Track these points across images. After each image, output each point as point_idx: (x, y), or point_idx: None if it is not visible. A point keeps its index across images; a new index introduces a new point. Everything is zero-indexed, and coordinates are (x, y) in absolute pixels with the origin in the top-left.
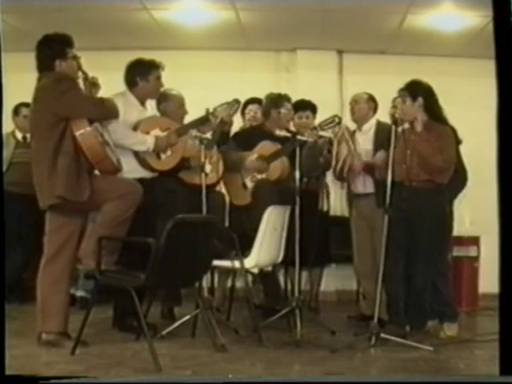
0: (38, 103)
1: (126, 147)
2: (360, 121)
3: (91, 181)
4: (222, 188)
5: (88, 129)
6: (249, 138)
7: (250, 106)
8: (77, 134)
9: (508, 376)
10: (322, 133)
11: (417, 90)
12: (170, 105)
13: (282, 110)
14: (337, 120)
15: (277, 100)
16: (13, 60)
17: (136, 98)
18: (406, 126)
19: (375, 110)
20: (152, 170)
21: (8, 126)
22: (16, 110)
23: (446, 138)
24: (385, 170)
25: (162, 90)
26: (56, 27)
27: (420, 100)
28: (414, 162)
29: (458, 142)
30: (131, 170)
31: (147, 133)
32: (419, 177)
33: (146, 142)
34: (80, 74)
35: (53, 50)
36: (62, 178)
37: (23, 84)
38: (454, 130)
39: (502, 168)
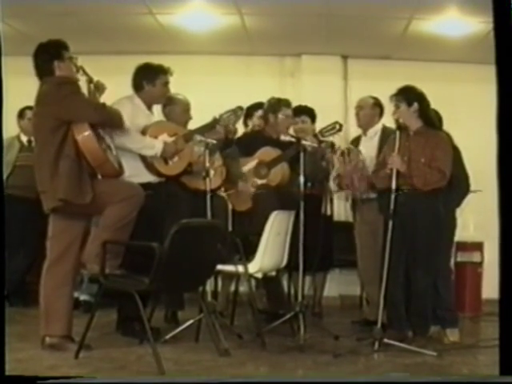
0: (40, 107)
1: (134, 151)
2: (365, 126)
3: (93, 184)
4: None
5: (89, 133)
6: (250, 143)
7: (255, 113)
8: (78, 137)
9: (508, 376)
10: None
11: (412, 96)
12: (175, 109)
13: (280, 116)
14: (337, 127)
15: (274, 105)
16: (18, 64)
17: (143, 102)
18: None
19: (381, 114)
20: (159, 174)
21: (13, 129)
22: (21, 113)
23: (443, 144)
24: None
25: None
26: (61, 31)
27: (415, 105)
28: (410, 167)
29: (454, 147)
30: (138, 174)
31: (155, 137)
32: (415, 182)
33: (154, 146)
34: (80, 76)
35: (49, 53)
36: (64, 181)
37: (27, 87)
38: (448, 136)
39: (503, 173)
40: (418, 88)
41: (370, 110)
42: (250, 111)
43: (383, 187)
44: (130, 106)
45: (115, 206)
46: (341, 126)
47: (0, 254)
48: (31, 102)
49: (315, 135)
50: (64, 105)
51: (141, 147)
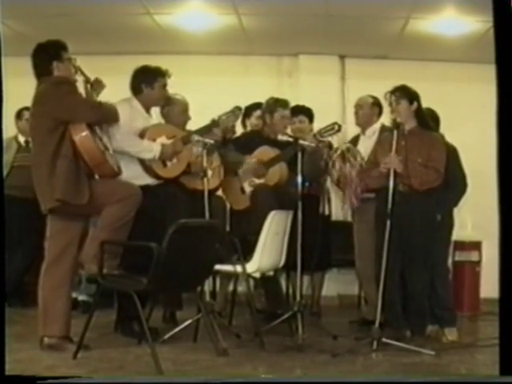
0: (37, 107)
1: (133, 155)
2: (364, 125)
3: (91, 184)
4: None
5: (86, 132)
6: (248, 142)
7: (254, 112)
8: (75, 137)
9: (508, 376)
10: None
11: (411, 94)
12: (174, 109)
13: (276, 116)
14: (336, 128)
15: (271, 106)
16: (17, 64)
17: (141, 105)
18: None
19: (380, 114)
20: (158, 177)
21: (11, 130)
22: (19, 114)
23: (438, 145)
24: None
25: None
26: (60, 32)
27: (415, 104)
28: (406, 167)
29: (451, 147)
30: (137, 176)
31: (153, 140)
32: (412, 182)
33: (152, 149)
34: (78, 76)
35: (48, 54)
36: (61, 182)
37: (27, 88)
38: (442, 137)
39: (502, 172)
40: (412, 88)
41: (369, 109)
42: (248, 111)
43: (375, 187)
44: (128, 109)
45: (113, 207)
46: (340, 126)
47: (0, 255)
48: (29, 103)
49: (314, 135)
50: (62, 104)
51: (139, 151)
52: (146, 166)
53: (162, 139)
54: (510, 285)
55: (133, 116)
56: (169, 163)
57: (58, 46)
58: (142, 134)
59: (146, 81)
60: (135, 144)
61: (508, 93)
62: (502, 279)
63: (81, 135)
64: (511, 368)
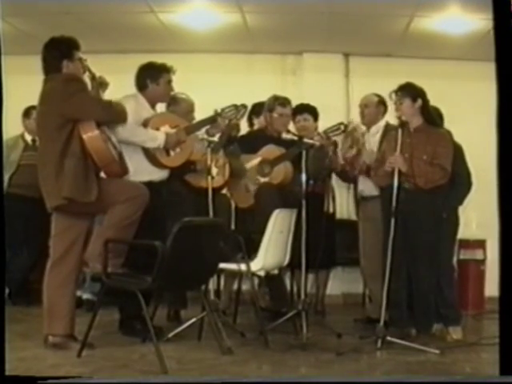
0: (45, 105)
1: (137, 144)
2: (369, 124)
3: (98, 183)
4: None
5: (96, 132)
6: (253, 141)
7: (262, 110)
8: (84, 136)
9: (508, 376)
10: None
11: (415, 91)
12: (179, 109)
13: (274, 115)
14: (342, 127)
15: (269, 104)
16: (20, 63)
17: (147, 101)
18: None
19: (384, 112)
20: (161, 166)
21: (14, 128)
22: (26, 113)
23: (444, 142)
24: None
25: (172, 93)
26: (63, 30)
27: (419, 101)
28: (412, 165)
29: (456, 145)
30: (140, 172)
31: (157, 129)
32: (417, 181)
33: (157, 138)
34: (87, 74)
35: (60, 51)
36: (69, 179)
37: (30, 86)
38: (449, 133)
39: (503, 170)
40: (418, 85)
41: (375, 108)
42: (256, 109)
43: (383, 185)
44: (134, 104)
45: (120, 206)
46: (345, 126)
47: (0, 254)
48: (35, 101)
49: (319, 134)
50: (71, 102)
51: (143, 140)
52: (149, 154)
53: (166, 128)
54: (510, 284)
55: (138, 111)
56: (172, 152)
57: (71, 45)
58: (145, 124)
59: (152, 76)
60: (140, 134)
61: (508, 92)
62: (502, 278)
63: (90, 134)
64: (511, 368)
